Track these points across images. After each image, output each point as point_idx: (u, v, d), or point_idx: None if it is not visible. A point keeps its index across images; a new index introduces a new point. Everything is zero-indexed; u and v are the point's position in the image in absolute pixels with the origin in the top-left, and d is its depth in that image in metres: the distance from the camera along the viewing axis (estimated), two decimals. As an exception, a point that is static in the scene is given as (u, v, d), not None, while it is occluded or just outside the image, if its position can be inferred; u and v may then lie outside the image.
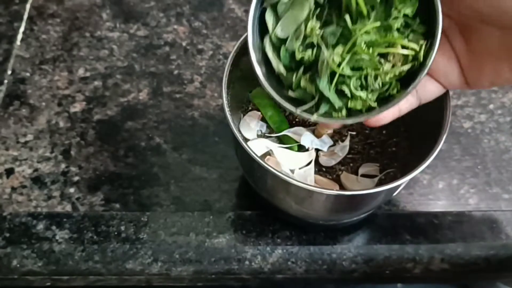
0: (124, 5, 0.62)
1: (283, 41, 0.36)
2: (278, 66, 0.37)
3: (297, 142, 0.45)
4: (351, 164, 0.46)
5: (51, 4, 0.62)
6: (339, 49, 0.34)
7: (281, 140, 0.46)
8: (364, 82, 0.34)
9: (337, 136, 0.47)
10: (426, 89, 0.35)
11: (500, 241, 0.47)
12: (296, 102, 0.36)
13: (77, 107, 0.54)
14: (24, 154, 0.51)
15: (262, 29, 0.37)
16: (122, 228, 0.47)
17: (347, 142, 0.46)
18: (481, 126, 0.54)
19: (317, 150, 0.46)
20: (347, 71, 0.34)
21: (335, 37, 0.35)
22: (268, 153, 0.45)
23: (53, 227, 0.47)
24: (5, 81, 0.56)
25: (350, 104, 0.34)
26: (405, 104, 0.35)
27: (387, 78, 0.34)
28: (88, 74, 0.57)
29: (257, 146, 0.45)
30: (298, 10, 0.35)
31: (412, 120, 0.46)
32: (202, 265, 0.45)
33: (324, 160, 0.46)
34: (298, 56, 0.35)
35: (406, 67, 0.33)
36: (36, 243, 0.46)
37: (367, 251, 0.46)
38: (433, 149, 0.37)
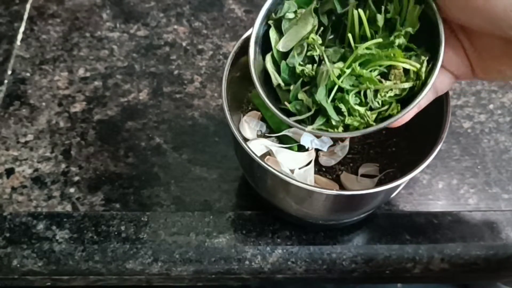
0: (124, 5, 0.62)
1: (284, 56, 0.37)
2: (277, 79, 0.37)
3: (297, 142, 0.45)
4: (351, 164, 0.46)
5: (51, 4, 0.62)
6: (340, 64, 0.34)
7: (281, 140, 0.46)
8: (363, 99, 0.34)
9: (337, 136, 0.47)
10: (440, 80, 0.35)
11: (500, 241, 0.47)
12: (292, 116, 0.36)
13: (77, 107, 0.54)
14: (24, 154, 0.51)
15: (264, 47, 0.38)
16: (122, 228, 0.47)
17: (347, 142, 0.46)
18: (480, 126, 0.54)
19: (317, 150, 0.46)
20: (346, 85, 0.34)
21: (337, 56, 0.35)
22: (268, 153, 0.45)
23: (53, 227, 0.47)
24: (5, 81, 0.56)
25: (348, 121, 0.34)
26: (424, 100, 0.35)
27: (387, 96, 0.34)
28: (88, 74, 0.57)
29: (257, 146, 0.45)
30: (301, 27, 0.36)
31: (412, 120, 0.46)
32: (202, 265, 0.45)
33: (324, 160, 0.46)
34: (299, 69, 0.36)
35: (407, 85, 0.33)
36: (36, 243, 0.46)
37: (367, 251, 0.46)
38: (432, 149, 0.37)
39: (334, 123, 0.34)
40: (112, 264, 0.45)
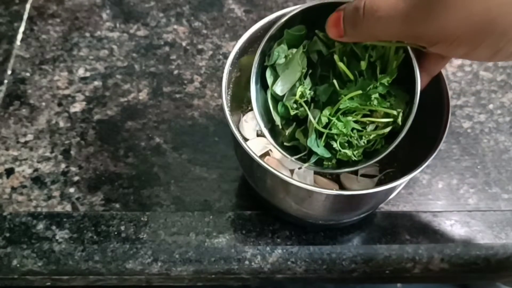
0: (124, 5, 0.62)
1: (281, 96, 0.40)
2: (277, 119, 0.41)
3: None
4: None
5: (51, 4, 0.62)
6: (327, 111, 0.38)
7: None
8: (350, 139, 0.38)
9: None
10: (432, 63, 0.36)
11: (500, 241, 0.47)
12: (291, 149, 0.41)
13: (77, 107, 0.54)
14: (24, 154, 0.51)
15: (264, 82, 0.41)
16: (122, 228, 0.47)
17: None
18: (480, 126, 0.54)
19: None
20: (334, 131, 0.38)
21: (326, 95, 0.39)
22: (268, 153, 0.45)
23: (53, 227, 0.47)
24: (5, 81, 0.56)
25: (338, 156, 0.38)
26: (422, 84, 0.36)
27: (371, 137, 0.38)
28: (88, 74, 0.57)
29: (257, 146, 0.45)
30: (293, 70, 0.40)
31: (412, 120, 0.46)
32: (202, 265, 0.45)
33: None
34: (292, 112, 0.40)
35: (387, 129, 0.37)
36: (36, 243, 0.46)
37: (367, 251, 0.46)
38: (432, 149, 0.37)
39: (325, 162, 0.39)
40: (112, 264, 0.45)
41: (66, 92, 0.55)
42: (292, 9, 0.39)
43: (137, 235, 0.46)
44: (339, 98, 0.38)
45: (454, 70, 0.58)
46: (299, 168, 0.45)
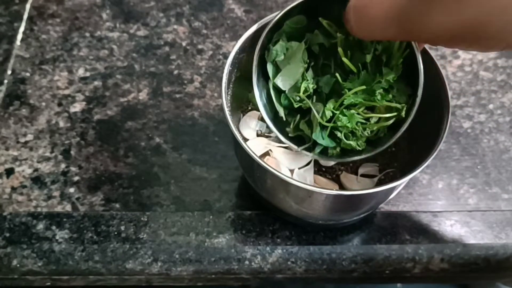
0: (124, 5, 0.62)
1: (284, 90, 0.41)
2: (280, 111, 0.41)
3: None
4: (351, 164, 0.46)
5: (51, 4, 0.62)
6: (331, 105, 0.38)
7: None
8: (355, 130, 0.38)
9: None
10: None
11: (500, 241, 0.47)
12: (296, 139, 0.41)
13: (77, 107, 0.54)
14: (24, 154, 0.51)
15: (266, 73, 0.41)
16: (122, 228, 0.47)
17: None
18: (480, 126, 0.54)
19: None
20: (339, 123, 0.38)
21: (329, 87, 0.39)
22: (268, 153, 0.45)
23: (53, 227, 0.47)
24: (5, 81, 0.56)
25: (342, 145, 0.39)
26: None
27: (374, 128, 0.38)
28: (88, 74, 0.57)
29: (257, 146, 0.45)
30: (295, 66, 0.40)
31: (412, 120, 0.46)
32: (202, 265, 0.45)
33: (324, 160, 0.46)
34: (296, 105, 0.40)
35: (390, 121, 0.38)
36: (36, 243, 0.46)
37: (367, 251, 0.46)
38: (432, 149, 0.37)
39: (330, 151, 0.39)
40: (112, 264, 0.45)
41: (66, 92, 0.55)
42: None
43: (137, 235, 0.46)
44: (342, 92, 0.38)
45: (454, 70, 0.58)
46: (303, 167, 0.45)
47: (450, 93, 0.40)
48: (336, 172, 0.46)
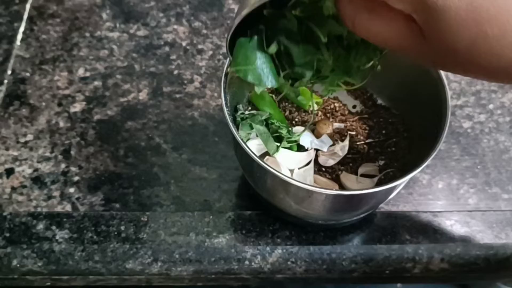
0: (124, 5, 0.62)
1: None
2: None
3: (296, 141, 0.45)
4: (351, 164, 0.46)
5: (51, 4, 0.62)
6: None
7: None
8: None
9: (337, 136, 0.47)
10: None
11: (500, 241, 0.47)
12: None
13: (77, 107, 0.54)
14: (24, 154, 0.51)
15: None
16: (122, 228, 0.47)
17: (346, 142, 0.46)
18: (480, 126, 0.54)
19: (316, 150, 0.46)
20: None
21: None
22: (268, 153, 0.45)
23: (53, 227, 0.47)
24: (5, 81, 0.56)
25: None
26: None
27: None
28: (88, 74, 0.57)
29: (257, 146, 0.45)
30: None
31: (412, 120, 0.46)
32: (202, 265, 0.45)
33: (324, 160, 0.46)
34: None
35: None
36: (36, 243, 0.46)
37: (367, 251, 0.46)
38: (432, 149, 0.37)
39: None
40: (112, 264, 0.45)
41: (66, 92, 0.55)
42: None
43: (137, 235, 0.46)
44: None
45: (454, 70, 0.58)
46: (303, 167, 0.45)
47: (450, 93, 0.40)
48: (336, 172, 0.46)
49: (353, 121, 0.48)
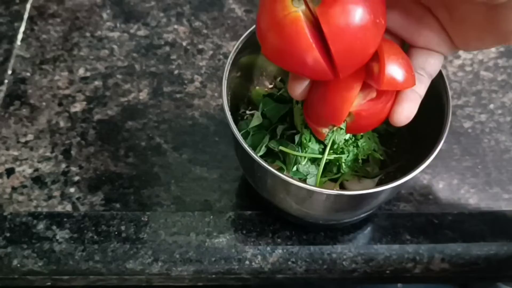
0: (125, 5, 0.62)
1: None
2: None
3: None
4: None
5: (51, 4, 0.62)
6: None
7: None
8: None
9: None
10: (430, 64, 0.35)
11: (500, 241, 0.47)
12: None
13: (77, 107, 0.54)
14: (25, 154, 0.51)
15: None
16: (123, 228, 0.47)
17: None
18: (481, 126, 0.54)
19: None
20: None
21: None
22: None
23: (54, 227, 0.47)
24: (6, 81, 0.56)
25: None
26: (422, 87, 0.35)
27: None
28: (88, 74, 0.57)
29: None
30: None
31: (412, 120, 0.46)
32: (203, 265, 0.45)
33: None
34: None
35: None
36: (37, 243, 0.46)
37: (367, 251, 0.46)
38: (433, 149, 0.37)
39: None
40: (112, 264, 0.45)
41: (67, 92, 0.55)
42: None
43: (138, 235, 0.46)
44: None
45: (455, 70, 0.58)
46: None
47: (450, 93, 0.40)
48: (336, 172, 0.46)
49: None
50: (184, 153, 0.51)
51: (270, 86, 0.49)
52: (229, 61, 0.41)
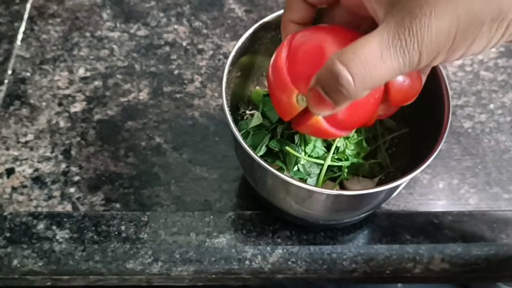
0: (125, 5, 0.62)
1: None
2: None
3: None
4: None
5: (51, 4, 0.62)
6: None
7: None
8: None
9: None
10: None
11: (500, 241, 0.47)
12: None
13: (77, 107, 0.54)
14: (25, 154, 0.51)
15: None
16: (123, 228, 0.47)
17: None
18: (481, 126, 0.54)
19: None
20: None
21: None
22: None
23: (54, 227, 0.47)
24: (6, 81, 0.56)
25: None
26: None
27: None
28: (88, 74, 0.57)
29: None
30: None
31: (412, 120, 0.46)
32: (203, 265, 0.45)
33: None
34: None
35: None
36: (37, 243, 0.46)
37: (367, 251, 0.46)
38: (433, 149, 0.37)
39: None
40: (112, 264, 0.45)
41: (67, 92, 0.55)
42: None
43: (138, 235, 0.46)
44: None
45: (455, 70, 0.58)
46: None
47: (450, 93, 0.40)
48: (336, 172, 0.46)
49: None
50: (184, 153, 0.51)
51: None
52: (229, 61, 0.41)
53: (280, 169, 0.41)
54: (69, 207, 0.48)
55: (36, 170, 0.50)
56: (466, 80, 0.57)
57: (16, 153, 0.51)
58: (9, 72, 0.57)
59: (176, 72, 0.57)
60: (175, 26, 0.61)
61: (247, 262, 0.46)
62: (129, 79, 0.56)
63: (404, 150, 0.46)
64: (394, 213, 0.48)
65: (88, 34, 0.60)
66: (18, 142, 0.52)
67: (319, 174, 0.42)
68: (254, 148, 0.42)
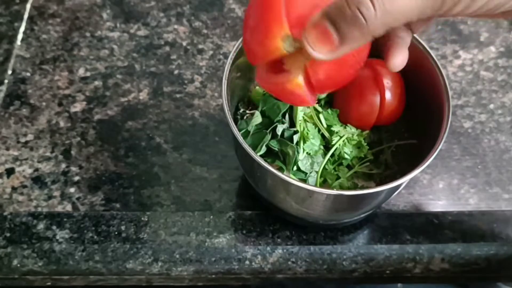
0: (125, 5, 0.62)
1: None
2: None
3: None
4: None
5: (51, 4, 0.62)
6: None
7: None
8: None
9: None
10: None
11: (500, 241, 0.47)
12: None
13: (77, 107, 0.54)
14: (25, 154, 0.51)
15: None
16: (123, 228, 0.47)
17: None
18: (481, 126, 0.54)
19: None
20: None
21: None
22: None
23: (54, 227, 0.47)
24: (6, 81, 0.56)
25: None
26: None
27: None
28: (88, 74, 0.57)
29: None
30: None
31: (412, 120, 0.46)
32: (203, 265, 0.45)
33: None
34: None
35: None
36: (37, 243, 0.46)
37: (367, 251, 0.46)
38: (433, 149, 0.37)
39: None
40: (112, 264, 0.45)
41: (67, 92, 0.55)
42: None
43: (138, 235, 0.46)
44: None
45: (455, 70, 0.58)
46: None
47: (450, 93, 0.40)
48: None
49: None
50: (184, 153, 0.51)
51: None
52: (229, 61, 0.41)
53: (280, 169, 0.41)
54: (69, 207, 0.48)
55: (36, 170, 0.50)
56: (466, 80, 0.57)
57: (16, 153, 0.51)
58: (9, 72, 0.57)
59: (176, 72, 0.57)
60: (175, 26, 0.61)
61: (247, 262, 0.46)
62: (129, 79, 0.56)
63: (404, 150, 0.46)
64: (394, 213, 0.48)
65: (88, 34, 0.60)
66: (18, 142, 0.52)
67: (317, 172, 0.42)
68: (254, 148, 0.42)
